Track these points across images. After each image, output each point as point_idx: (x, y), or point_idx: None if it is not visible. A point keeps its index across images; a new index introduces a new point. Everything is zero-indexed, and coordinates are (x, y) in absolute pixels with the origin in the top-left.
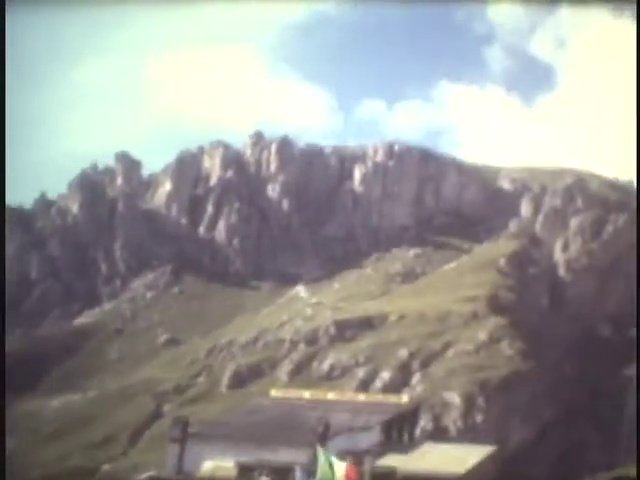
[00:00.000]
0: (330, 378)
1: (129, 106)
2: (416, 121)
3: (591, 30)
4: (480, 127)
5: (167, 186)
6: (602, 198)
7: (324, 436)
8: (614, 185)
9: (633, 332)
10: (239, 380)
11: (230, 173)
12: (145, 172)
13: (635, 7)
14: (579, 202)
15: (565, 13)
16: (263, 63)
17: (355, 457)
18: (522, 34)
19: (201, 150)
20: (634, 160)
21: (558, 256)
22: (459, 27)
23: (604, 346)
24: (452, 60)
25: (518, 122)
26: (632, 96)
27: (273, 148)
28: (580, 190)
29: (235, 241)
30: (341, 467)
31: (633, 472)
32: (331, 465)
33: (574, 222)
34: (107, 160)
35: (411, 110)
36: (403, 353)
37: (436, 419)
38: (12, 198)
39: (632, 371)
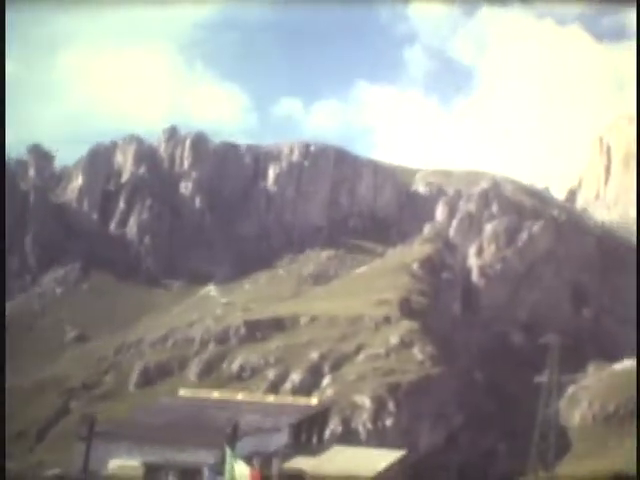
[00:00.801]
0: (240, 379)
1: (43, 99)
2: (333, 121)
3: (511, 33)
4: (398, 129)
5: (79, 180)
6: (517, 204)
7: (233, 437)
8: (530, 191)
9: (545, 339)
10: (147, 379)
11: (143, 169)
12: (58, 165)
13: (635, 7)
14: (494, 207)
15: (486, 15)
16: (180, 60)
17: (263, 458)
18: (443, 36)
19: (114, 144)
20: (550, 166)
21: (472, 261)
22: (380, 28)
23: (515, 353)
24: (372, 61)
25: (436, 125)
26: (552, 100)
27: (187, 144)
28: (495, 195)
29: (146, 238)
30: (245, 471)
31: (633, 472)
32: (234, 468)
33: (488, 228)
34: (19, 152)
35: (329, 110)
36: (314, 355)
37: (346, 422)
38: None
39: (543, 378)
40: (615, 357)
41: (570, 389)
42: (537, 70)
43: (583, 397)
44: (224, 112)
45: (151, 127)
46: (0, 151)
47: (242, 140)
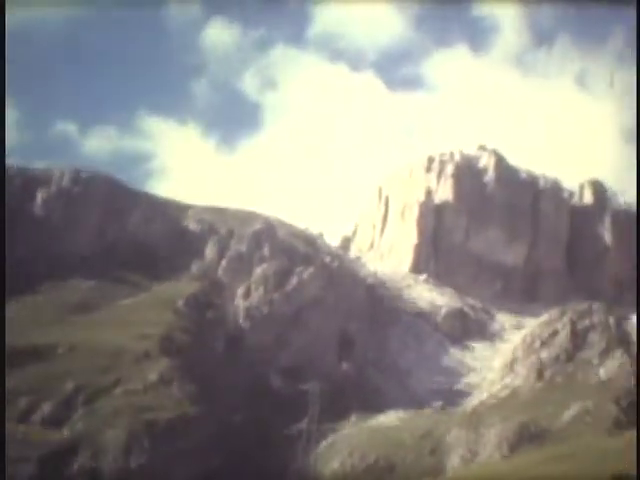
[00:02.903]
0: None
1: None
2: (110, 149)
3: (303, 75)
4: (176, 162)
5: None
6: (289, 248)
7: None
8: (303, 236)
9: (307, 386)
10: None
11: None
12: None
13: (635, 7)
14: (265, 250)
15: (279, 54)
16: None
17: None
18: (232, 71)
19: None
20: (327, 211)
21: (238, 302)
22: (169, 56)
23: (277, 397)
24: (157, 89)
25: (215, 161)
26: (336, 146)
27: None
28: (268, 237)
29: None
30: None
31: (633, 472)
32: None
33: (258, 270)
34: None
35: (106, 137)
36: (69, 386)
37: (95, 457)
38: None
39: (303, 425)
40: (378, 409)
41: (330, 437)
42: (324, 114)
43: (343, 446)
44: None
45: None
46: (0, 151)
47: (11, 161)
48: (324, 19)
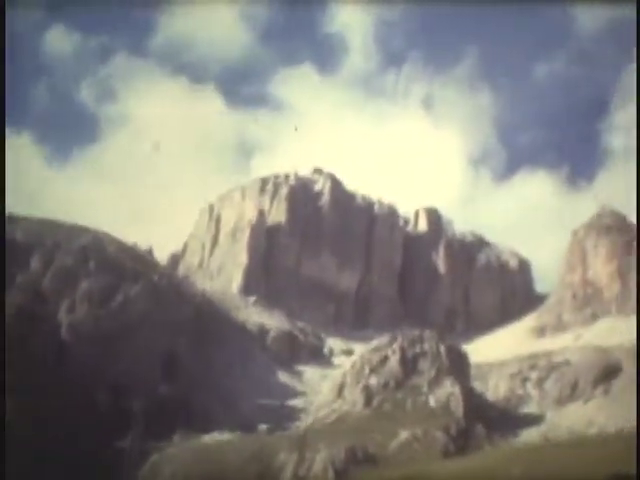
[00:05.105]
0: None
1: None
2: None
3: (143, 86)
4: (7, 171)
5: None
6: (117, 263)
7: None
8: (132, 252)
9: (130, 404)
10: None
11: None
12: None
13: (635, 7)
14: (92, 264)
15: (118, 64)
16: None
17: None
18: (70, 79)
19: None
20: (158, 228)
21: (62, 317)
22: (9, 60)
23: (100, 415)
24: None
25: (47, 172)
26: (176, 161)
27: None
28: (95, 252)
29: None
30: None
31: (633, 472)
32: None
33: (84, 285)
34: None
35: None
36: None
37: None
38: None
39: (126, 443)
40: (203, 429)
41: (154, 457)
42: (162, 128)
43: (166, 466)
44: None
45: None
46: (0, 154)
47: None
48: (168, 30)
